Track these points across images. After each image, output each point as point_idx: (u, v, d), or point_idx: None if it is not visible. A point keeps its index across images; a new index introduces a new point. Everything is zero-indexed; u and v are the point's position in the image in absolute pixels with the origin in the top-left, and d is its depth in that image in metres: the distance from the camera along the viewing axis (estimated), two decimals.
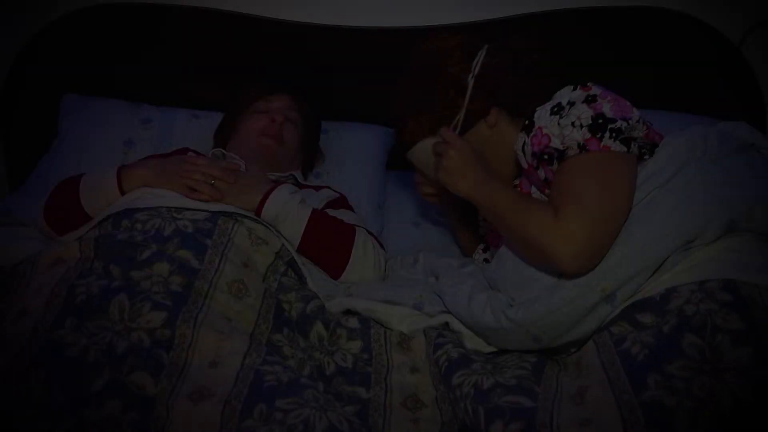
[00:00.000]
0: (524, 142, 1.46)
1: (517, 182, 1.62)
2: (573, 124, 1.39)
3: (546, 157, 1.42)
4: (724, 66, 2.30)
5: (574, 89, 1.46)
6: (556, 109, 1.41)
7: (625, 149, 1.37)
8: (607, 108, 1.40)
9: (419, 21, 2.27)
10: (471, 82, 1.57)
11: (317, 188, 2.01)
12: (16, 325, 1.30)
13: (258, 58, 2.30)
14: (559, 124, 1.39)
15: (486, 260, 1.78)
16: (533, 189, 1.51)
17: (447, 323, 1.55)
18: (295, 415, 1.20)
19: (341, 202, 1.98)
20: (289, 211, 1.71)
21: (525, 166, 1.47)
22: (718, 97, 2.31)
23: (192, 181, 1.71)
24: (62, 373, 1.19)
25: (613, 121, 1.38)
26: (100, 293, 1.37)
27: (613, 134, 1.37)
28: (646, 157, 1.43)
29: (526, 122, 1.46)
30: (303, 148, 2.12)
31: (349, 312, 1.63)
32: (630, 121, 1.39)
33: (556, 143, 1.39)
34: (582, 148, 1.37)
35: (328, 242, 1.73)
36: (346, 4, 2.33)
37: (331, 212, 1.84)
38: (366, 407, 1.37)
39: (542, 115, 1.43)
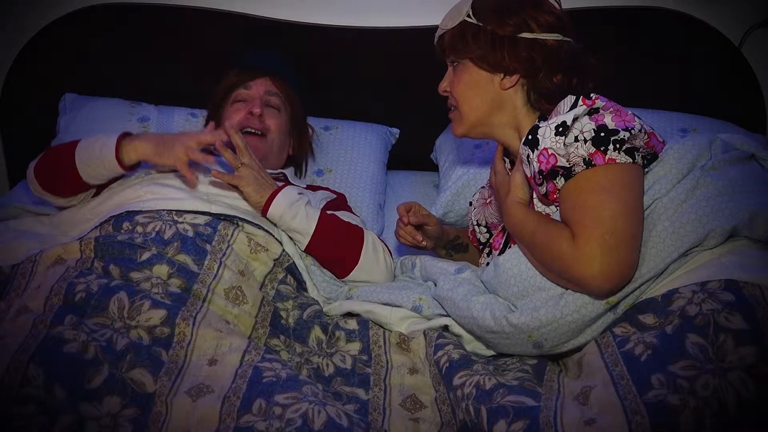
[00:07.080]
0: (528, 155, 1.45)
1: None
2: (576, 138, 1.37)
3: (551, 174, 1.41)
4: (724, 66, 2.30)
5: (576, 101, 1.45)
6: (561, 129, 1.40)
7: (630, 160, 1.37)
8: (608, 119, 1.38)
9: (419, 21, 2.27)
10: (525, 37, 1.50)
11: (315, 189, 1.99)
12: (15, 322, 1.31)
13: None
14: (564, 144, 1.39)
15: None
16: (536, 200, 1.51)
17: (446, 326, 1.54)
18: (294, 410, 1.20)
19: (340, 202, 1.97)
20: (297, 211, 1.69)
21: (529, 174, 1.47)
22: (718, 97, 2.31)
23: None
24: (61, 368, 1.19)
25: (615, 132, 1.37)
26: (100, 291, 1.37)
27: (617, 145, 1.36)
28: (646, 169, 1.42)
29: (529, 137, 1.45)
30: (291, 131, 2.01)
31: (348, 314, 1.62)
32: (632, 131, 1.38)
33: (562, 162, 1.38)
34: (588, 163, 1.36)
35: (338, 241, 1.72)
36: (346, 4, 2.32)
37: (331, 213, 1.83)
38: (365, 408, 1.36)
39: (547, 135, 1.41)
